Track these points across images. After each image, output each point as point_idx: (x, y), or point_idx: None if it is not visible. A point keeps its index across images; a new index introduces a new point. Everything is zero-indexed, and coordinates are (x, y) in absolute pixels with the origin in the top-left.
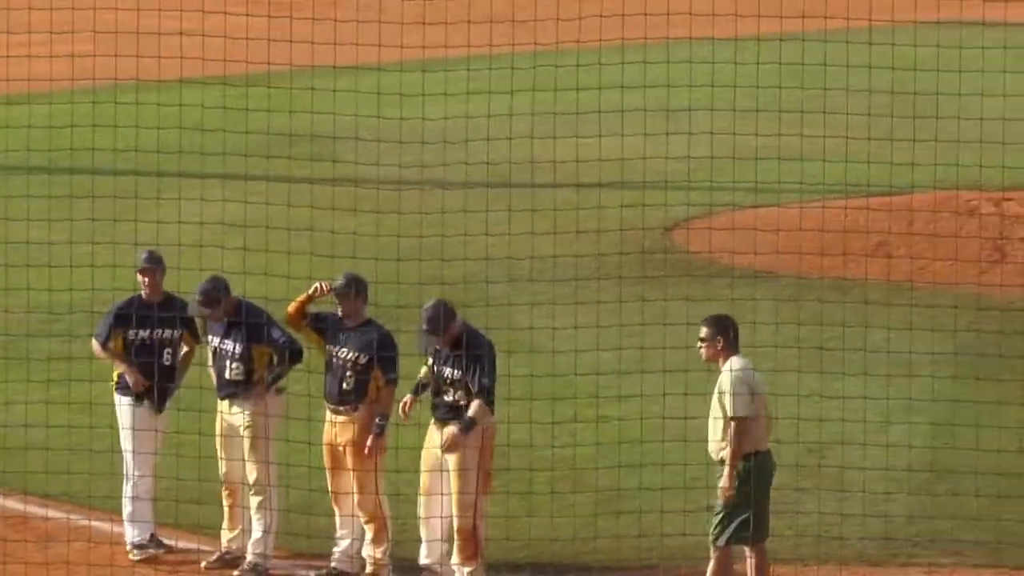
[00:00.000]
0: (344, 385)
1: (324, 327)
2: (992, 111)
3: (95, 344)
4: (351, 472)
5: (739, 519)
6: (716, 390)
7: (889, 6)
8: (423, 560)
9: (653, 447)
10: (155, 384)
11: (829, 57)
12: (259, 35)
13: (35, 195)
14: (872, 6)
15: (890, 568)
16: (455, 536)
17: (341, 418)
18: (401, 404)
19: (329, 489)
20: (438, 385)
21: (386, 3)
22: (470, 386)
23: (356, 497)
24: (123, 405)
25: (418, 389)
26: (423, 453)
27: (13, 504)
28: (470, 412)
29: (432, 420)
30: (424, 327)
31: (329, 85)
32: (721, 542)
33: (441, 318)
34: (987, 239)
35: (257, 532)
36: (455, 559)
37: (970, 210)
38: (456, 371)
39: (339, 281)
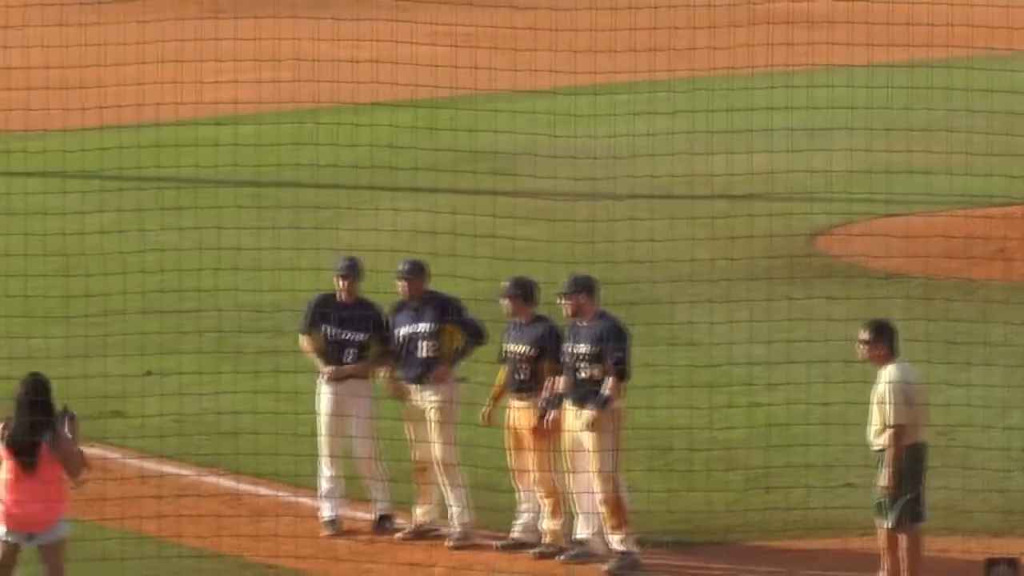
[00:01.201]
0: (521, 376)
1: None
2: None
3: (301, 338)
4: (531, 452)
5: (899, 506)
6: (877, 390)
7: (1007, 37)
8: (579, 534)
9: (798, 430)
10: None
11: (953, 81)
12: (446, 63)
13: (243, 206)
14: (992, 36)
15: (1010, 538)
16: (603, 508)
17: (522, 404)
18: (483, 412)
19: (512, 467)
20: (573, 362)
21: (560, 34)
22: (607, 360)
23: (535, 475)
24: (321, 393)
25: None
26: (564, 436)
27: (227, 483)
28: (606, 390)
29: (568, 403)
30: (565, 290)
31: (509, 107)
32: (890, 524)
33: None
34: None
35: (457, 507)
36: (606, 528)
37: None
38: (592, 346)
39: (507, 285)
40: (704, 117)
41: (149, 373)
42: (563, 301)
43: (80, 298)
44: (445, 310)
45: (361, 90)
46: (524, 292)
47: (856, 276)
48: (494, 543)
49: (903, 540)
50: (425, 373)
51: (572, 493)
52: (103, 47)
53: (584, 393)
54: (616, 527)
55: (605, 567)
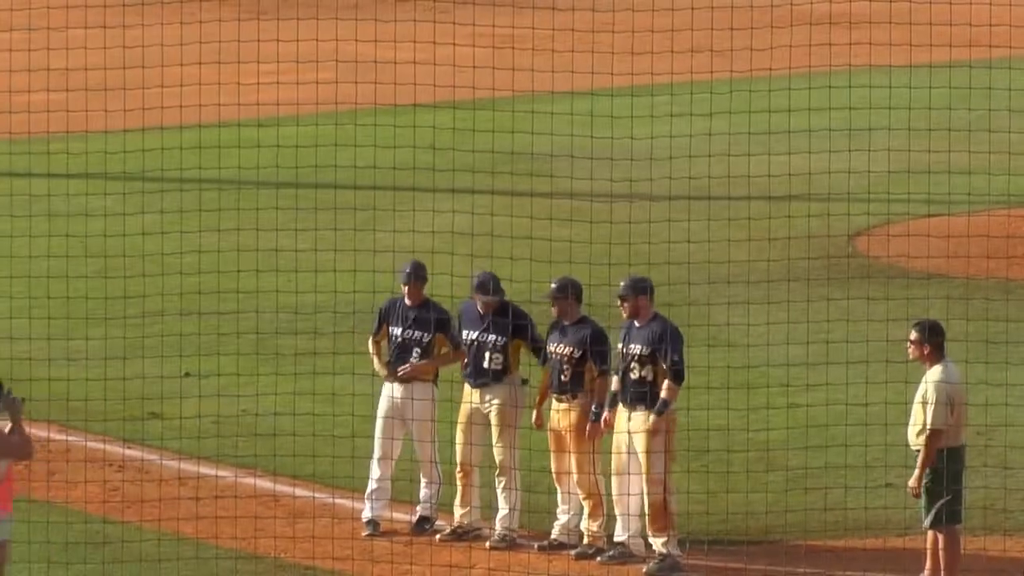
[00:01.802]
0: (562, 377)
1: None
2: None
3: (369, 342)
4: (571, 454)
5: (936, 506)
6: (921, 389)
7: None
8: (619, 536)
9: (837, 430)
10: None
11: (993, 81)
12: (484, 64)
13: (283, 207)
14: None
15: None
16: (648, 510)
17: (563, 406)
18: (534, 419)
19: (552, 469)
20: (626, 363)
21: (598, 35)
22: (661, 362)
23: (576, 476)
24: (382, 395)
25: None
26: (614, 437)
27: (265, 484)
28: (664, 393)
29: (619, 403)
30: (623, 292)
31: (547, 109)
32: (926, 526)
33: (570, 289)
34: None
35: (504, 509)
36: (649, 530)
37: None
38: (645, 347)
39: (554, 286)
40: (743, 118)
41: (187, 375)
42: (622, 303)
43: (119, 299)
44: (518, 327)
45: (401, 91)
46: (571, 293)
47: (895, 276)
48: (534, 544)
49: (941, 540)
50: (489, 381)
51: (616, 495)
52: (145, 48)
53: (635, 394)
54: (660, 530)
55: (645, 568)
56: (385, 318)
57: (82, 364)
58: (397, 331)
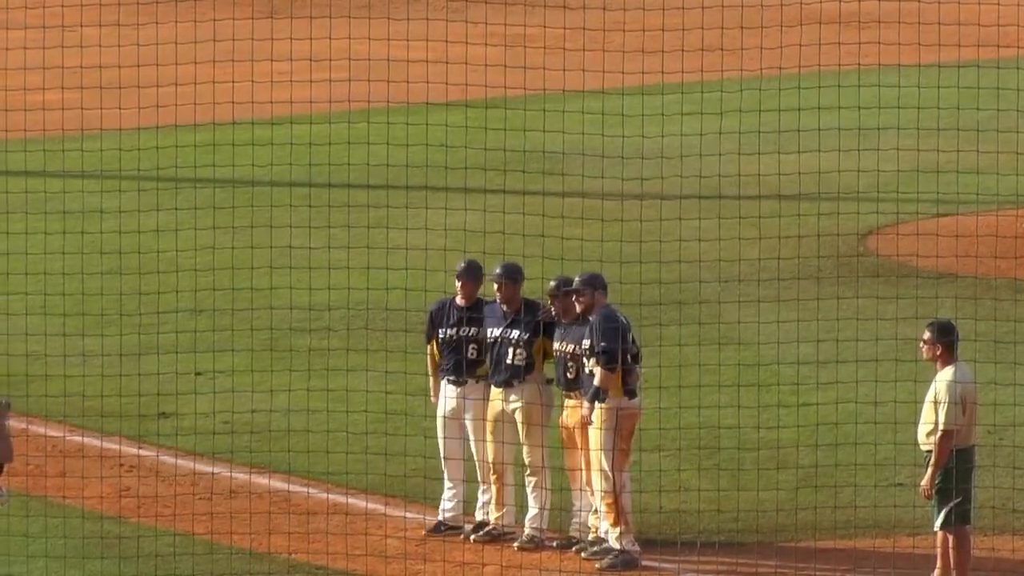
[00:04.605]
0: (568, 375)
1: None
2: None
3: (427, 347)
4: (581, 450)
5: (946, 507)
6: (932, 389)
7: None
8: (572, 531)
9: (848, 429)
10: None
11: (1002, 81)
12: (496, 62)
13: (296, 205)
14: None
15: None
16: (599, 505)
17: (571, 402)
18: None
19: (566, 466)
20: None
21: (609, 34)
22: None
23: (585, 473)
24: (443, 396)
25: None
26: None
27: (277, 483)
28: (595, 381)
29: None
30: (580, 286)
31: (559, 107)
32: (936, 527)
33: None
34: None
35: (533, 509)
36: (603, 526)
37: None
38: (584, 342)
39: (553, 285)
40: (754, 117)
41: (199, 373)
42: (577, 298)
43: (133, 297)
44: (542, 324)
45: (413, 90)
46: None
47: (905, 276)
48: (552, 543)
49: (951, 540)
50: (512, 378)
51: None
52: (158, 47)
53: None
54: (612, 524)
55: (597, 564)
56: (435, 320)
57: (96, 362)
58: (450, 331)
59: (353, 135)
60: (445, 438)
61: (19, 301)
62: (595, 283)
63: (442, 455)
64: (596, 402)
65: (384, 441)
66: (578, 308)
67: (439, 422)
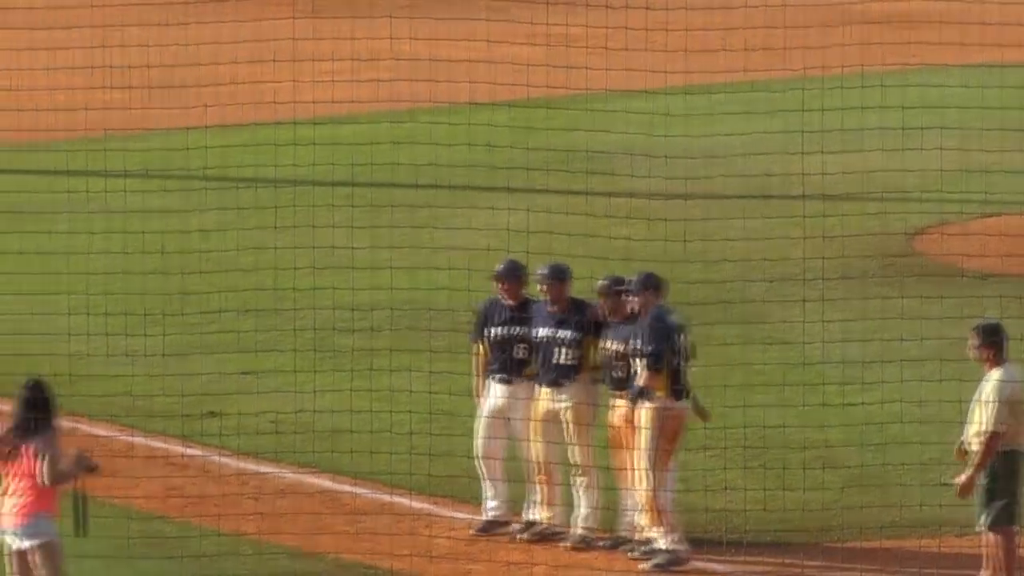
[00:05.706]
0: (615, 374)
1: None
2: None
3: (474, 347)
4: (629, 451)
5: (995, 507)
6: (981, 388)
7: None
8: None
9: (893, 428)
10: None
11: None
12: (539, 62)
13: (339, 205)
14: None
15: None
16: (642, 504)
17: (618, 402)
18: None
19: (613, 466)
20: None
21: (652, 34)
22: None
23: (631, 473)
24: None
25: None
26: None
27: (324, 482)
28: (638, 380)
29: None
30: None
31: (604, 107)
32: (982, 527)
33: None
34: None
35: (584, 509)
36: (644, 524)
37: None
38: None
39: (603, 284)
40: (797, 116)
41: (245, 373)
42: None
43: (177, 297)
44: (591, 327)
45: (458, 90)
46: (615, 290)
47: (950, 276)
48: (599, 542)
49: (997, 540)
50: (560, 378)
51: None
52: (202, 46)
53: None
54: (654, 525)
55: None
56: (483, 320)
57: (141, 362)
58: (498, 330)
59: (397, 134)
60: (486, 438)
61: (62, 301)
62: (647, 283)
63: (480, 455)
64: (640, 401)
65: (429, 441)
66: (629, 308)
67: (481, 422)
